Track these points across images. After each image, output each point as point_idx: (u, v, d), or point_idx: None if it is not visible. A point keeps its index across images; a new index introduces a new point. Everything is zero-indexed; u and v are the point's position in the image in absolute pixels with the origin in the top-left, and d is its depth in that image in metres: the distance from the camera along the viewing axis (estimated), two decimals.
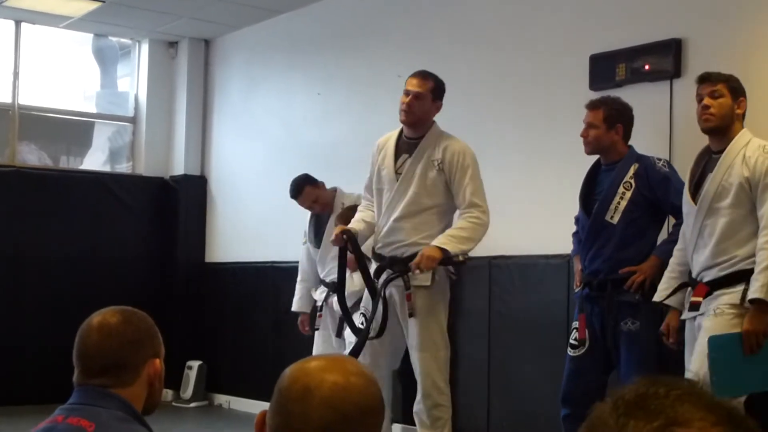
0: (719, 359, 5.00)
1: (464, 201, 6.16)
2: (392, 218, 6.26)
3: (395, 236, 6.25)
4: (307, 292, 8.19)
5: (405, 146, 6.36)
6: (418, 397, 6.16)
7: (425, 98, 6.24)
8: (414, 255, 6.11)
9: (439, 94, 6.31)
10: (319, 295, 8.03)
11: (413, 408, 6.24)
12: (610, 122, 5.79)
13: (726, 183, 5.07)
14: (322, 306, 7.97)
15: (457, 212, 6.28)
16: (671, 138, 6.35)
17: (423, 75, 6.32)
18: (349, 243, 6.27)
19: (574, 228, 6.14)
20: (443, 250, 5.99)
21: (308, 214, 8.13)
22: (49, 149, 11.00)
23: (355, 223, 6.46)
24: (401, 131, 6.41)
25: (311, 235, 8.09)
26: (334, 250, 7.90)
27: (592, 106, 5.87)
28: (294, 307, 8.24)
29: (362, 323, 6.29)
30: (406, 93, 6.24)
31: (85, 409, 2.63)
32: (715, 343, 5.07)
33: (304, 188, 7.95)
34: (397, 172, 6.31)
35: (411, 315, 6.12)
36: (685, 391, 1.21)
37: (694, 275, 5.23)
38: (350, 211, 7.30)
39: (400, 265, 6.19)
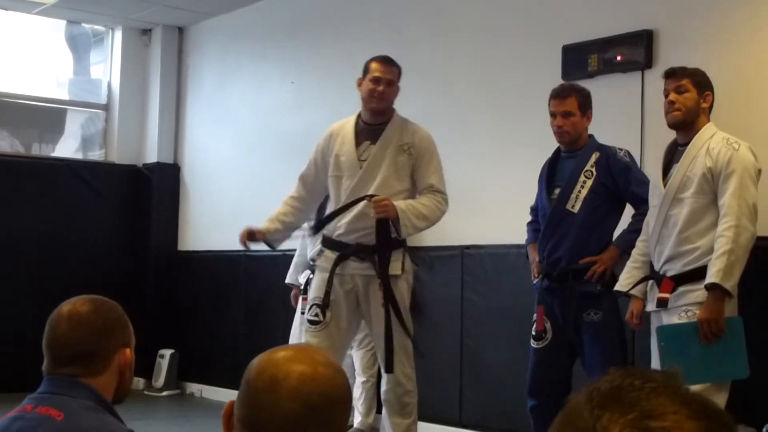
0: (670, 349, 5.04)
1: (431, 187, 6.09)
2: (359, 204, 6.07)
3: (363, 222, 6.05)
4: (303, 267, 8.16)
5: (366, 133, 6.21)
6: (389, 385, 6.12)
7: (395, 84, 6.20)
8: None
9: (400, 78, 6.29)
10: (303, 278, 8.02)
11: (381, 396, 6.25)
12: (584, 109, 5.77)
13: (690, 174, 5.11)
14: (305, 289, 7.96)
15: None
16: (642, 128, 6.38)
17: (389, 61, 6.28)
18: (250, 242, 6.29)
19: None
20: (398, 216, 5.94)
21: None
22: (22, 136, 10.94)
23: (270, 223, 6.34)
24: (357, 118, 6.28)
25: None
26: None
27: (565, 94, 5.80)
28: (287, 279, 8.21)
29: (317, 315, 6.12)
30: (377, 80, 6.14)
31: (54, 398, 2.63)
32: (664, 332, 5.11)
33: None
34: (360, 159, 6.14)
35: (383, 305, 5.98)
36: (660, 384, 1.21)
37: (656, 268, 5.26)
38: None
39: (369, 254, 6.05)
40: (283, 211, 6.36)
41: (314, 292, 6.22)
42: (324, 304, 6.09)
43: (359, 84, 6.24)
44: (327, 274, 6.11)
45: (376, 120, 6.20)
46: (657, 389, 1.20)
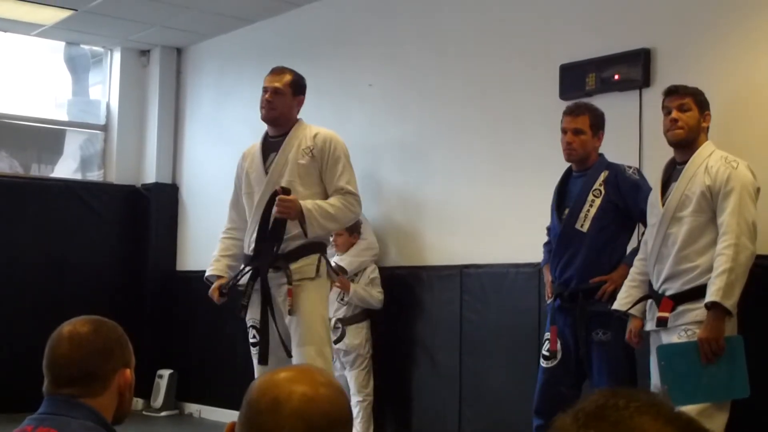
0: (671, 368, 5.02)
1: (339, 189, 5.97)
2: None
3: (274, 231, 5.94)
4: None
5: (271, 146, 6.16)
6: None
7: (284, 93, 6.09)
8: (298, 248, 5.91)
9: (299, 88, 6.18)
10: None
11: None
12: (595, 129, 5.77)
13: (689, 192, 5.11)
14: None
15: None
16: (641, 147, 6.38)
17: (280, 70, 6.21)
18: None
19: (544, 237, 6.14)
20: (303, 214, 5.78)
21: None
22: (21, 157, 10.94)
23: (217, 264, 6.30)
24: (265, 135, 6.26)
25: None
26: None
27: (578, 111, 5.81)
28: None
29: (254, 336, 6.02)
30: (264, 90, 6.11)
31: (54, 418, 2.63)
32: (665, 351, 5.09)
33: None
34: (267, 171, 6.08)
35: (291, 312, 5.84)
36: (644, 403, 1.22)
37: (655, 287, 5.25)
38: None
39: (282, 262, 5.90)
40: (223, 246, 6.34)
41: (249, 313, 6.09)
42: (257, 328, 5.97)
43: None
44: (249, 291, 6.01)
45: (278, 132, 6.15)
46: (641, 408, 1.21)
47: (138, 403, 10.15)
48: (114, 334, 2.81)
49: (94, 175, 11.20)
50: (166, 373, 10.30)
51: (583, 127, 5.75)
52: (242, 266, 6.13)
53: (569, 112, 5.84)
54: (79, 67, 11.42)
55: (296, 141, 6.05)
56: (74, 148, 11.33)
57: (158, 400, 10.26)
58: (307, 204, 5.83)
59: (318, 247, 6.02)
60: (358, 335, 7.74)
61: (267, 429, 1.84)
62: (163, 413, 10.18)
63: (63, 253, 10.39)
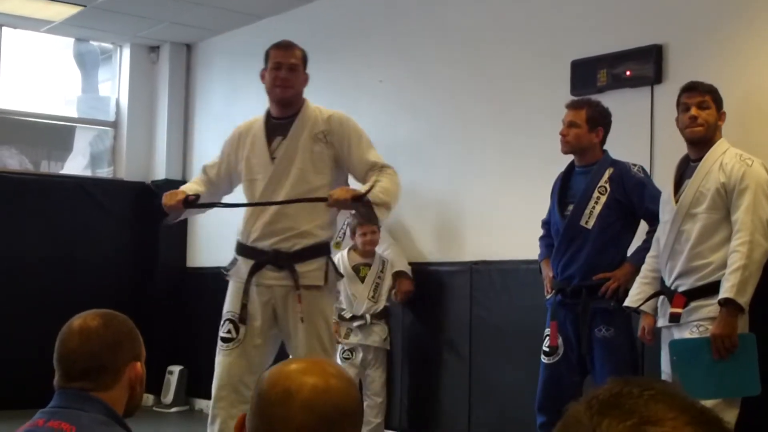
0: (682, 363, 5.03)
1: (374, 165, 5.42)
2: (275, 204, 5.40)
3: (281, 224, 5.42)
4: None
5: (276, 129, 5.59)
6: None
7: (299, 69, 5.57)
8: (307, 248, 5.41)
9: (306, 63, 5.63)
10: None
11: None
12: (593, 124, 5.78)
13: (703, 189, 5.11)
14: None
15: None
16: (652, 143, 6.37)
17: (289, 45, 5.64)
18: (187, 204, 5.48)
19: None
20: (361, 198, 5.19)
21: None
22: (30, 154, 10.97)
23: (193, 186, 5.79)
24: (267, 115, 5.69)
25: None
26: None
27: (576, 105, 5.86)
28: None
29: (229, 331, 5.54)
30: (278, 66, 5.54)
31: (65, 412, 2.63)
32: (676, 347, 5.10)
33: None
34: (273, 157, 5.52)
35: (303, 320, 5.36)
36: (658, 391, 1.22)
37: (668, 283, 5.25)
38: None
39: (287, 261, 5.40)
40: (197, 181, 5.87)
41: (228, 306, 5.63)
42: (239, 320, 5.51)
43: (263, 77, 5.69)
44: (242, 285, 5.52)
45: (286, 113, 5.60)
46: (655, 396, 1.22)
47: (148, 399, 10.16)
48: (124, 328, 2.81)
49: (104, 172, 11.22)
50: (176, 369, 10.32)
51: (578, 120, 5.78)
52: (235, 257, 5.70)
53: (569, 105, 5.91)
54: (88, 64, 11.44)
55: (307, 124, 5.53)
56: (84, 144, 11.35)
57: (168, 396, 10.28)
58: (366, 186, 5.28)
59: (326, 249, 5.56)
60: (381, 331, 7.68)
61: (278, 420, 1.84)
62: (174, 409, 10.20)
63: (72, 250, 10.40)
